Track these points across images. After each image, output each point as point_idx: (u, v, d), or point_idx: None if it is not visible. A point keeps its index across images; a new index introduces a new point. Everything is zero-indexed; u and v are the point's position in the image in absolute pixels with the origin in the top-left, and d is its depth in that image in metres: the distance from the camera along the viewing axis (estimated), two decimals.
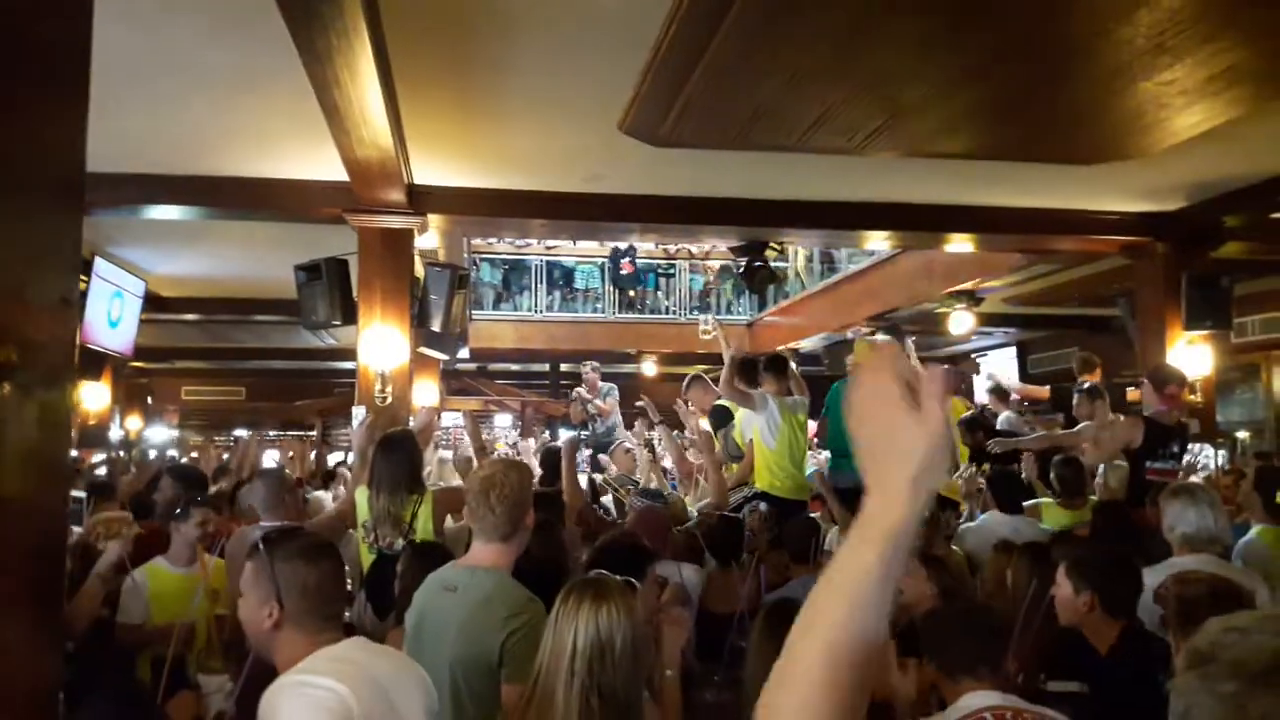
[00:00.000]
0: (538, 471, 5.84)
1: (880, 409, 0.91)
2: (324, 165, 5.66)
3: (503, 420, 16.27)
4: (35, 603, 0.85)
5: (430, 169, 6.06)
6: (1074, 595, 2.72)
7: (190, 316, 10.76)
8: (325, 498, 6.29)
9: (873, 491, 0.91)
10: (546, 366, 16.64)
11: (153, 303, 9.53)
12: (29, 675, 0.87)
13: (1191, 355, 7.10)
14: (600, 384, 9.77)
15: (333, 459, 12.47)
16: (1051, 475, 5.28)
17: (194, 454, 13.46)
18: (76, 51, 0.86)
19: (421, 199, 6.29)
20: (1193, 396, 6.98)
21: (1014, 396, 8.45)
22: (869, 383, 0.93)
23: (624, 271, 14.40)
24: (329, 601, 2.06)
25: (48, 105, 0.83)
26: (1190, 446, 5.75)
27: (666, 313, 15.35)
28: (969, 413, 7.15)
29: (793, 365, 6.40)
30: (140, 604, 3.79)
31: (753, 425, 6.01)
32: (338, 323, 6.22)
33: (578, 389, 9.87)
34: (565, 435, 14.30)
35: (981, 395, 9.38)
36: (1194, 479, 5.23)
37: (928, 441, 0.89)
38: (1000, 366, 12.33)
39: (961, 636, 2.25)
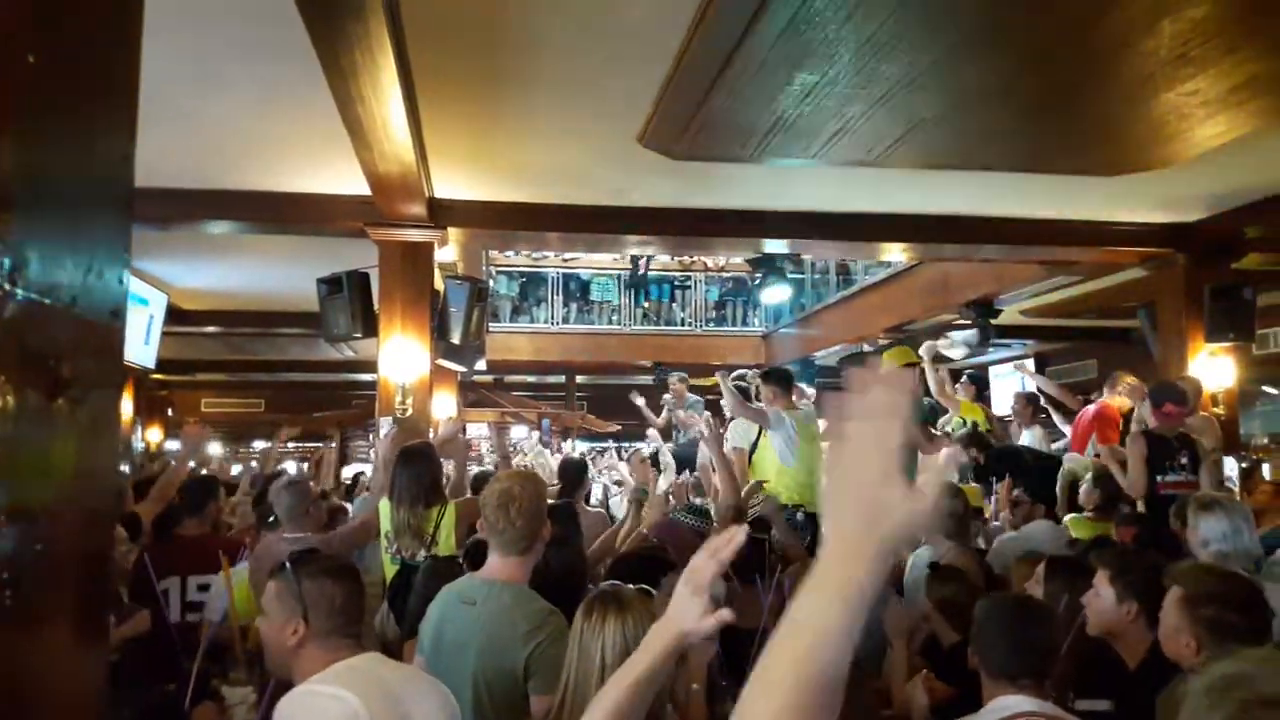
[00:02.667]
0: (555, 483, 5.85)
1: (874, 458, 0.86)
2: (346, 179, 5.71)
3: (519, 432, 16.30)
4: (83, 614, 0.86)
5: (450, 183, 6.10)
6: (1116, 604, 2.67)
7: (211, 329, 10.85)
8: None
9: (835, 542, 0.85)
10: (563, 378, 16.67)
11: (174, 316, 9.62)
12: (74, 682, 0.88)
13: (1214, 367, 7.03)
14: (688, 395, 9.82)
15: (349, 471, 12.51)
16: (1084, 491, 5.24)
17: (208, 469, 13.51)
18: (126, 69, 0.88)
19: (442, 212, 6.34)
20: (1216, 409, 6.92)
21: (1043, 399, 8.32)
22: (873, 416, 0.86)
23: (642, 272, 14.42)
24: (352, 620, 2.08)
25: (99, 121, 0.84)
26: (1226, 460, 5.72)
27: (682, 324, 15.35)
28: (964, 430, 7.07)
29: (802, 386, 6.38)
30: (223, 604, 3.82)
31: (748, 437, 5.99)
32: (359, 335, 6.26)
33: (666, 395, 9.93)
34: (580, 447, 14.35)
35: (1006, 401, 9.30)
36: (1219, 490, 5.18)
37: (912, 517, 0.86)
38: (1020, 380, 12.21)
39: (1012, 644, 2.23)
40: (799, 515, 5.02)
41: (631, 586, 2.25)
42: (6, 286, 0.65)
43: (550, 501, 3.87)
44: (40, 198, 0.71)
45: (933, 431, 6.39)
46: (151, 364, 9.44)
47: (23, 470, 0.71)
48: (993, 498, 6.36)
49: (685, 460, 8.06)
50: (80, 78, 0.79)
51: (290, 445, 15.56)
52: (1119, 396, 7.01)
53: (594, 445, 15.04)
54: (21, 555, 0.75)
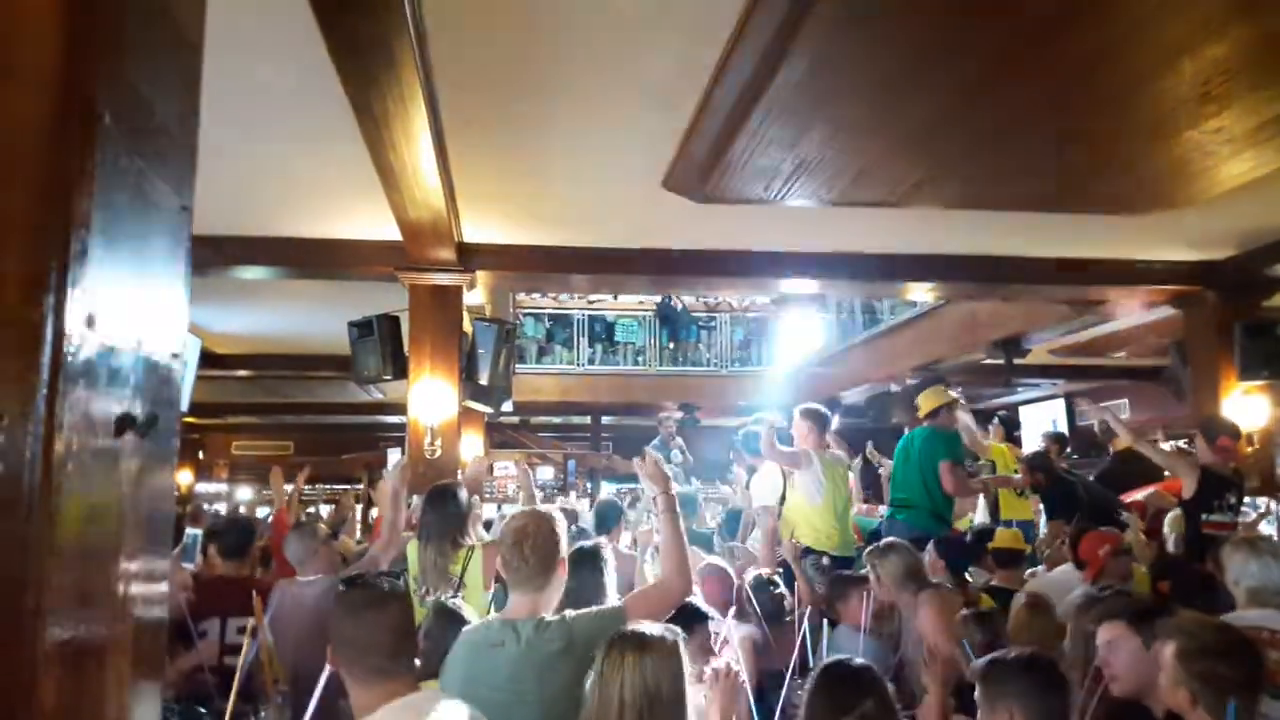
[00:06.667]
0: (589, 522, 5.87)
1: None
2: (376, 224, 5.82)
3: (545, 473, 16.31)
4: (139, 650, 0.89)
5: (479, 226, 6.20)
6: (1144, 653, 2.61)
7: (243, 373, 11.00)
8: None
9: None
10: (588, 419, 16.70)
11: (207, 360, 9.76)
12: (129, 717, 0.90)
13: (1247, 406, 6.94)
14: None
15: (375, 513, 12.55)
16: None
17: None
18: (187, 125, 0.93)
19: (470, 256, 6.43)
20: (1250, 449, 6.82)
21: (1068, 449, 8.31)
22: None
23: (677, 307, 14.43)
24: (367, 653, 2.03)
25: (162, 174, 0.89)
26: (1256, 501, 5.63)
27: (708, 365, 15.37)
28: (1032, 451, 7.04)
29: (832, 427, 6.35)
30: (255, 644, 3.83)
31: (776, 492, 5.98)
32: (389, 377, 6.34)
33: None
34: (606, 488, 14.32)
35: (1034, 441, 9.24)
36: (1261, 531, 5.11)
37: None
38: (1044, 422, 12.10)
39: (1024, 693, 2.22)
40: (824, 560, 4.97)
41: (658, 627, 2.25)
42: (85, 330, 0.69)
43: (584, 544, 3.87)
44: (113, 248, 0.75)
45: (966, 473, 6.32)
46: (185, 407, 9.58)
47: (91, 506, 0.75)
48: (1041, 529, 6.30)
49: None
50: (147, 135, 0.84)
51: (317, 487, 15.66)
52: None
53: (621, 486, 15.01)
54: (85, 590, 0.78)
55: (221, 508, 14.53)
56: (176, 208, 0.91)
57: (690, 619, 2.98)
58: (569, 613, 2.54)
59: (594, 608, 2.60)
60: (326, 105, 3.98)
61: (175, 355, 0.88)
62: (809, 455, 5.79)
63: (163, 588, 0.95)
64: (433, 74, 3.88)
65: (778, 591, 4.35)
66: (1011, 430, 8.28)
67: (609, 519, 5.57)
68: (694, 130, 4.45)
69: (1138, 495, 6.55)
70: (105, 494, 0.77)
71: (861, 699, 2.30)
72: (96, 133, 0.73)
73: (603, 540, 5.06)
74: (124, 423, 0.77)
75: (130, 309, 0.79)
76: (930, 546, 4.78)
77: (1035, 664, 2.40)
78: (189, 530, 5.17)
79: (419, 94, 3.68)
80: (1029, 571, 5.70)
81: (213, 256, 6.29)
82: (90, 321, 0.70)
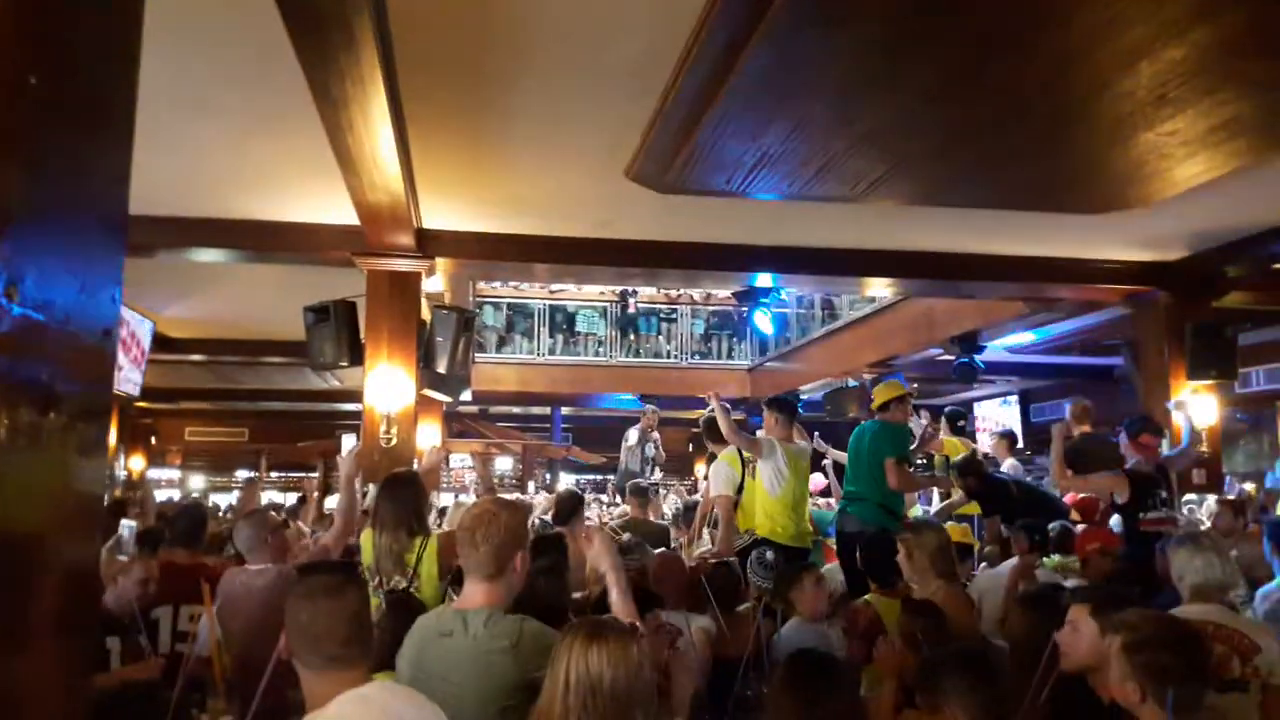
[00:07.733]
0: (548, 515, 5.83)
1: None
2: (334, 209, 5.73)
3: (504, 463, 16.24)
4: (65, 636, 0.85)
5: (439, 213, 6.13)
6: (1100, 637, 2.65)
7: (196, 357, 10.82)
8: None
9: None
10: (547, 409, 16.64)
11: (160, 343, 9.58)
12: (55, 706, 0.87)
13: (1196, 404, 7.08)
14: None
15: (331, 502, 12.40)
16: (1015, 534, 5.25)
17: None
18: (124, 92, 0.89)
19: (430, 242, 6.36)
20: (1201, 447, 6.97)
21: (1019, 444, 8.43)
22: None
23: (630, 311, 14.51)
24: (322, 641, 1.98)
25: (96, 142, 0.85)
26: (1206, 498, 5.76)
27: (668, 357, 15.39)
28: (961, 456, 7.11)
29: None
30: (204, 633, 3.77)
31: (733, 482, 5.99)
32: (345, 364, 6.25)
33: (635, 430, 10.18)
34: (565, 479, 14.30)
35: (985, 438, 9.36)
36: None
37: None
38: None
39: (962, 689, 2.25)
40: (768, 554, 4.97)
41: (617, 621, 2.24)
42: (2, 302, 0.66)
43: (545, 532, 3.84)
44: (38, 215, 0.72)
45: (909, 468, 6.32)
46: (136, 391, 9.40)
47: (12, 486, 0.71)
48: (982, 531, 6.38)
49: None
50: (80, 99, 0.80)
51: (273, 475, 15.47)
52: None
53: (581, 477, 15.01)
54: (7, 573, 0.75)
55: (170, 494, 14.24)
56: (111, 179, 0.87)
57: (642, 606, 2.96)
58: (532, 621, 2.49)
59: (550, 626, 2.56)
60: (284, 85, 3.91)
61: (106, 333, 0.85)
62: (772, 444, 5.80)
63: (91, 571, 0.92)
64: (393, 56, 3.82)
65: (733, 580, 4.35)
66: (956, 421, 8.33)
67: (569, 511, 5.54)
68: (657, 120, 4.43)
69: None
70: (28, 473, 0.73)
71: (829, 692, 2.32)
72: (24, 94, 0.70)
73: (563, 531, 5.08)
74: (49, 401, 0.73)
75: (58, 282, 0.76)
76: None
77: (969, 659, 2.43)
78: (124, 522, 5.00)
79: (378, 76, 3.62)
80: (982, 565, 5.78)
81: (165, 238, 6.17)
82: (10, 293, 0.67)
